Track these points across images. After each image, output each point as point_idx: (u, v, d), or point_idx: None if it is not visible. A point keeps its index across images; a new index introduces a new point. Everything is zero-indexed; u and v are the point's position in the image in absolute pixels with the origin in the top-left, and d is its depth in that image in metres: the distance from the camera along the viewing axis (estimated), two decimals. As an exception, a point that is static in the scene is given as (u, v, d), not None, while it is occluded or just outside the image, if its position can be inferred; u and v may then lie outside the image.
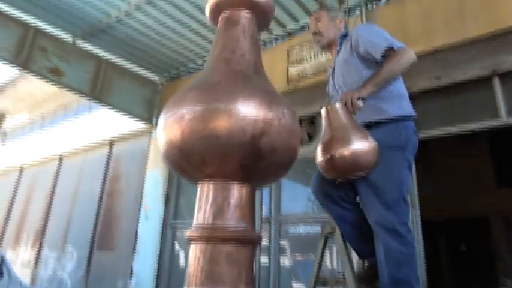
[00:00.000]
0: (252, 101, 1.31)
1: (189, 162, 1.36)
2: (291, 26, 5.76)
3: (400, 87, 1.84)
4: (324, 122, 1.75)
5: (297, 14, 5.48)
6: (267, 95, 1.39)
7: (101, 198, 8.27)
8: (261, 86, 1.41)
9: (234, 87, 1.35)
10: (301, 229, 5.14)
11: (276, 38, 6.15)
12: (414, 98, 4.56)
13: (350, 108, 1.62)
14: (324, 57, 5.28)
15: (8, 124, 15.29)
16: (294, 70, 5.62)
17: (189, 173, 1.42)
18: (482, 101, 4.16)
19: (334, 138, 1.63)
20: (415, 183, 4.27)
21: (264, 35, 6.08)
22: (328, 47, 2.14)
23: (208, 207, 1.34)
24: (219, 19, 1.69)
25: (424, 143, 4.60)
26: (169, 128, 1.34)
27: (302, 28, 5.64)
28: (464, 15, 4.28)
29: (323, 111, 1.77)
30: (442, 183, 8.22)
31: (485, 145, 8.33)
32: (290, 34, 5.94)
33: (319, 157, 1.69)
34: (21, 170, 12.84)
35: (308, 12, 5.14)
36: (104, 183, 8.39)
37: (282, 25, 5.83)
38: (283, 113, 1.35)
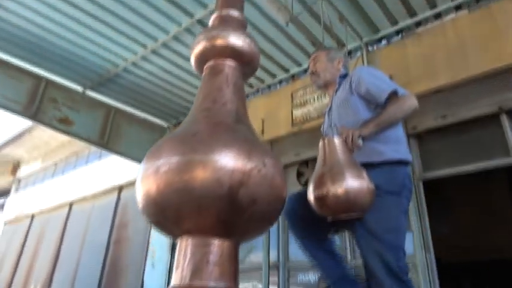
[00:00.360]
0: (229, 151, 1.25)
1: (165, 217, 1.28)
2: (294, 69, 5.86)
3: (398, 131, 1.80)
4: (319, 155, 1.67)
5: (299, 58, 5.58)
6: (246, 144, 1.33)
7: (108, 246, 8.14)
8: (241, 136, 1.36)
9: (211, 137, 1.30)
10: (311, 277, 4.89)
11: (280, 82, 6.24)
12: (421, 137, 4.52)
13: (350, 145, 1.57)
14: (328, 99, 5.29)
15: (22, 172, 15.58)
16: (298, 112, 5.63)
17: (167, 228, 1.34)
18: (491, 139, 4.04)
19: (329, 174, 1.53)
20: (427, 225, 4.08)
21: (268, 79, 6.19)
22: (324, 87, 2.13)
23: (186, 265, 1.24)
24: (204, 68, 1.68)
25: (436, 182, 4.48)
26: (145, 180, 1.29)
27: (305, 71, 5.71)
28: (465, 54, 4.28)
29: (320, 144, 1.69)
30: (462, 221, 7.87)
31: (504, 180, 8.04)
32: (293, 77, 6.02)
33: (312, 193, 1.57)
34: (33, 217, 12.88)
35: (310, 57, 5.23)
36: (111, 230, 8.30)
37: (285, 69, 5.93)
38: (264, 163, 1.28)
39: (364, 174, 1.54)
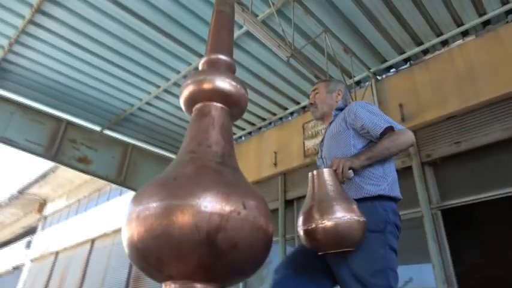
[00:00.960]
0: (207, 195, 1.26)
1: (148, 263, 1.28)
2: (304, 101, 5.90)
3: (386, 168, 1.70)
4: (308, 187, 1.63)
5: (308, 90, 5.63)
6: (227, 186, 1.34)
7: (127, 283, 8.11)
8: (222, 178, 1.37)
9: (191, 181, 1.32)
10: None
11: (292, 113, 6.28)
12: (436, 165, 4.40)
13: (340, 176, 1.53)
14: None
15: (48, 210, 15.97)
16: (309, 144, 5.61)
17: (151, 273, 1.33)
18: (509, 164, 3.88)
19: (317, 207, 1.47)
20: (448, 257, 3.89)
21: (279, 112, 6.25)
22: (321, 118, 2.10)
23: (172, 311, 1.23)
24: (192, 110, 1.72)
25: (456, 211, 4.30)
26: (128, 226, 1.30)
27: (315, 103, 5.74)
28: (475, 79, 4.21)
29: (309, 176, 1.65)
30: (489, 250, 7.43)
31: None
32: (304, 109, 6.06)
33: (300, 226, 1.50)
34: (57, 254, 13.05)
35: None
36: (131, 266, 8.30)
37: (296, 102, 5.99)
38: (244, 205, 1.28)
39: (355, 206, 1.47)
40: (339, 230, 1.41)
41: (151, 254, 1.20)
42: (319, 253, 1.53)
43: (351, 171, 1.58)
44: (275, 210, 5.67)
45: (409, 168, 4.45)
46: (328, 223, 1.41)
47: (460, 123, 4.25)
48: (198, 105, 1.64)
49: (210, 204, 1.19)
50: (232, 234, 1.19)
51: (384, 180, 1.64)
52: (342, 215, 1.43)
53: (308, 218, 1.49)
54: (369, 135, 1.76)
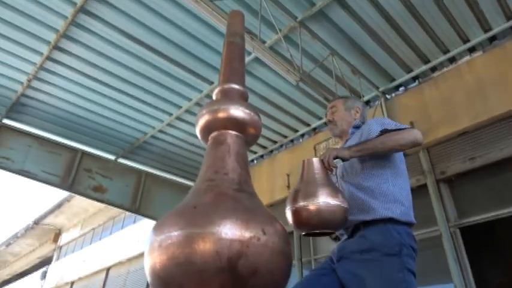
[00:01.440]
0: (227, 222, 1.28)
1: (170, 291, 1.30)
2: (315, 123, 5.94)
3: (395, 187, 1.67)
4: (299, 173, 1.67)
5: (318, 112, 5.69)
6: (245, 213, 1.36)
7: (143, 313, 8.02)
8: (240, 205, 1.40)
9: (211, 209, 1.35)
10: None
11: (303, 135, 6.32)
12: (451, 182, 4.35)
13: (326, 164, 1.57)
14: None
15: (63, 240, 16.04)
16: (322, 165, 5.60)
17: (173, 302, 1.34)
18: (527, 179, 3.83)
19: (303, 190, 1.56)
20: (470, 276, 3.78)
21: (290, 134, 6.30)
22: (340, 136, 2.09)
23: None
24: (208, 139, 1.77)
25: (476, 228, 4.20)
26: (150, 255, 1.33)
27: (326, 124, 5.77)
28: (485, 95, 4.21)
29: (300, 163, 1.69)
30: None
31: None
32: (315, 130, 6.10)
33: (288, 206, 1.59)
34: (72, 284, 13.02)
35: (328, 109, 5.32)
36: (146, 295, 8.22)
37: (307, 124, 6.03)
38: (263, 231, 1.30)
39: (339, 194, 1.53)
40: (320, 213, 1.50)
41: (174, 281, 1.22)
42: (303, 233, 1.59)
43: (337, 160, 1.61)
44: (290, 233, 5.61)
45: (424, 186, 4.41)
46: (311, 206, 1.51)
47: (473, 139, 4.22)
48: (213, 134, 1.69)
49: (230, 231, 1.21)
50: (253, 260, 1.21)
51: (399, 205, 1.61)
52: (323, 200, 1.51)
53: (295, 199, 1.58)
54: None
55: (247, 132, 1.75)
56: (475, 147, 4.19)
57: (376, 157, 1.72)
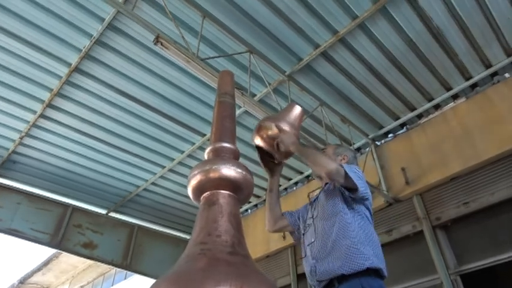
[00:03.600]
0: (220, 290, 1.23)
1: None
2: (308, 171, 5.96)
3: (368, 234, 1.71)
4: (283, 109, 2.09)
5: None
6: (239, 278, 1.32)
7: None
8: (234, 270, 1.36)
9: (203, 274, 1.31)
10: None
11: (296, 183, 6.31)
12: (447, 228, 4.31)
13: (275, 144, 1.80)
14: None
15: (49, 300, 15.24)
16: (317, 213, 5.55)
17: None
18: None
19: (273, 117, 1.96)
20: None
21: (284, 182, 6.29)
22: (320, 179, 2.10)
23: None
24: (200, 199, 1.75)
25: (476, 274, 4.11)
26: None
27: (318, 171, 5.80)
28: (472, 139, 4.30)
29: (288, 104, 2.31)
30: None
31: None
32: (308, 178, 6.10)
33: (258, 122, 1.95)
34: None
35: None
36: None
37: (299, 172, 6.06)
38: (258, 298, 1.25)
39: (296, 133, 1.86)
40: (275, 139, 1.82)
41: None
42: (255, 144, 1.87)
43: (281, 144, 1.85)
44: (287, 286, 5.43)
45: (421, 232, 4.36)
46: (273, 128, 1.83)
47: (464, 183, 4.26)
48: (205, 194, 1.68)
49: (224, 300, 1.18)
50: (247, 330, 1.16)
51: (369, 250, 1.62)
52: (283, 123, 1.85)
53: (268, 119, 1.95)
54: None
55: (239, 191, 1.75)
56: (467, 191, 4.21)
57: (350, 204, 1.80)
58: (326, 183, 2.00)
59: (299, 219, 2.06)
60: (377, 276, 1.58)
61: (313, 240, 1.79)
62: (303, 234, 1.95)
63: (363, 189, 1.73)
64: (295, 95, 4.48)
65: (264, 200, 6.68)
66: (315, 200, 2.04)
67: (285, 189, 6.46)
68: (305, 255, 1.85)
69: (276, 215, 2.06)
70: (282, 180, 6.26)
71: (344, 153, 2.13)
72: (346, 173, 1.70)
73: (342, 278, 1.57)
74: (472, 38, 4.06)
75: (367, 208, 1.81)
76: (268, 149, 1.86)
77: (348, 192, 1.76)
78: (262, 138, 1.86)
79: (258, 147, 1.90)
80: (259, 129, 1.87)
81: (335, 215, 1.76)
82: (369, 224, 1.76)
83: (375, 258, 1.60)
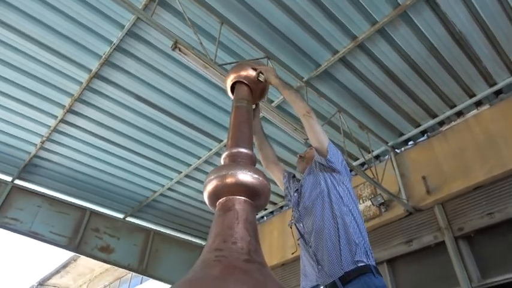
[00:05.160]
0: (236, 299, 1.21)
1: None
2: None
3: (362, 232, 1.76)
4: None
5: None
6: (255, 287, 1.29)
7: None
8: (250, 279, 1.33)
9: (218, 283, 1.28)
10: None
11: (272, 212, 6.37)
12: (471, 239, 4.16)
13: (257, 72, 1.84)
14: (363, 205, 5.14)
15: (68, 302, 15.44)
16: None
17: None
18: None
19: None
20: None
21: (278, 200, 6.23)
22: (303, 172, 2.16)
23: None
24: (216, 204, 1.73)
25: (509, 286, 3.92)
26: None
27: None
28: (497, 147, 4.16)
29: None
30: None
31: None
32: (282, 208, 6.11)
33: None
34: None
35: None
36: None
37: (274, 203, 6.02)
38: (275, 307, 1.21)
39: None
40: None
41: None
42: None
43: (261, 75, 1.86)
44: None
45: (442, 243, 4.22)
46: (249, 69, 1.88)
47: (488, 193, 4.11)
48: (221, 200, 1.66)
49: (240, 308, 1.14)
50: None
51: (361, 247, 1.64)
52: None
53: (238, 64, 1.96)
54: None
55: (255, 197, 1.71)
56: (491, 201, 4.05)
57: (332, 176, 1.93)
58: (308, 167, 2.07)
59: (288, 186, 2.23)
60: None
61: (309, 238, 1.89)
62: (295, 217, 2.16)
63: (331, 153, 1.88)
64: (313, 101, 4.43)
65: (281, 207, 6.63)
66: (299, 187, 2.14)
67: (281, 208, 6.48)
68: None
69: (268, 155, 2.26)
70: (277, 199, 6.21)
71: None
72: (317, 123, 1.88)
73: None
74: (496, 43, 3.94)
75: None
76: (247, 83, 1.87)
77: (319, 157, 1.92)
78: (238, 75, 1.87)
79: (231, 89, 1.91)
80: (235, 69, 1.89)
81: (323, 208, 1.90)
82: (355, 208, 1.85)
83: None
